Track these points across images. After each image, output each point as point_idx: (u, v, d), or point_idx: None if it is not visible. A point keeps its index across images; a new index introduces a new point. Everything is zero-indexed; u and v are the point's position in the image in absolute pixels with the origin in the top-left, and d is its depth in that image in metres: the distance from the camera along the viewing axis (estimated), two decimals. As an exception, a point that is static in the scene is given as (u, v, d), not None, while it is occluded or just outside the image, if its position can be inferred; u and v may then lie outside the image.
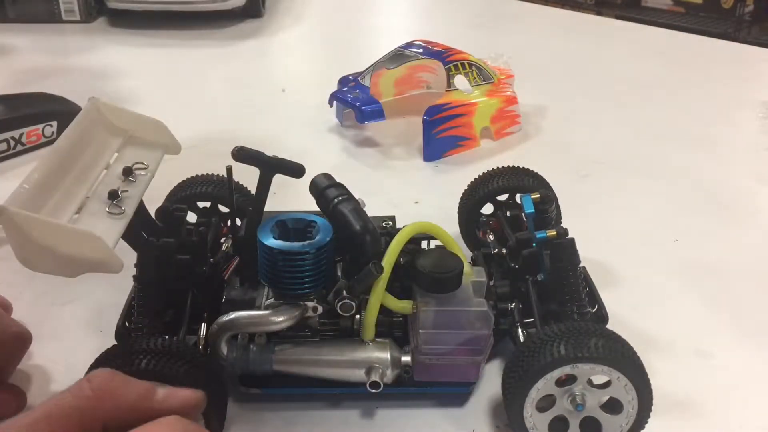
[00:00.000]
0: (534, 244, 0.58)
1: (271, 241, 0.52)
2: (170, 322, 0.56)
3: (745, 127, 1.16)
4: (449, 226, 0.72)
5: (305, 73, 1.44)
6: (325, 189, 0.56)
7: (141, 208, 0.53)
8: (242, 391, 0.56)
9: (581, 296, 0.56)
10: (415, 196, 0.91)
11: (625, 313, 0.67)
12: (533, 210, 0.59)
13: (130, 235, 0.51)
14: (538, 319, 0.57)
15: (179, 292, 0.57)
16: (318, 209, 0.57)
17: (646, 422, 0.51)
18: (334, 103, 1.10)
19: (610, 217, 0.87)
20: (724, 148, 1.08)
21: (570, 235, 0.57)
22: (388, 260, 0.53)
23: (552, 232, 0.56)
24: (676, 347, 0.65)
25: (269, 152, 0.56)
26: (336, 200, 0.54)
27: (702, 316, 0.69)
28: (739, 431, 0.57)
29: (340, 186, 0.56)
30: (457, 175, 0.93)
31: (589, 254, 0.63)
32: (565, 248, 0.56)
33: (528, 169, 0.70)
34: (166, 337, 0.54)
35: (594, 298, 0.59)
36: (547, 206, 0.60)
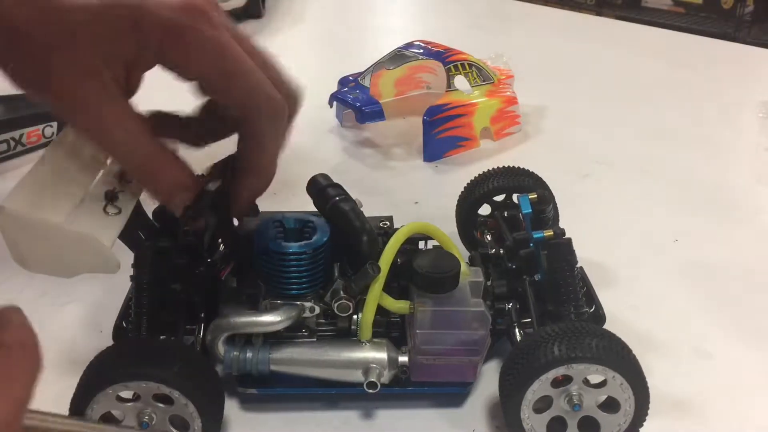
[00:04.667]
0: (531, 244, 0.58)
1: (268, 242, 0.52)
2: (167, 322, 0.56)
3: (745, 127, 1.15)
4: (449, 226, 0.72)
5: (305, 73, 1.44)
6: (322, 189, 0.56)
7: (138, 208, 0.53)
8: (240, 391, 0.56)
9: (578, 296, 0.56)
10: (415, 197, 0.91)
11: (624, 313, 0.67)
12: (530, 210, 0.59)
13: (127, 236, 0.51)
14: (535, 319, 0.57)
15: (176, 293, 0.57)
16: (315, 209, 0.57)
17: (645, 420, 0.51)
18: (334, 103, 1.10)
19: (610, 217, 0.87)
20: (724, 148, 1.07)
21: (568, 235, 0.57)
22: (385, 260, 0.53)
23: (549, 232, 0.56)
24: (675, 347, 0.65)
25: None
26: (333, 200, 0.55)
27: (702, 316, 0.69)
28: (739, 431, 0.56)
29: (338, 186, 0.57)
30: (457, 176, 0.93)
31: (588, 254, 0.63)
32: (561, 248, 0.56)
33: (525, 169, 0.70)
34: (163, 337, 0.54)
35: (591, 298, 0.59)
36: (544, 206, 0.60)
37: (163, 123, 0.50)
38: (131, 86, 0.44)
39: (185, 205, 0.46)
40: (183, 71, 0.44)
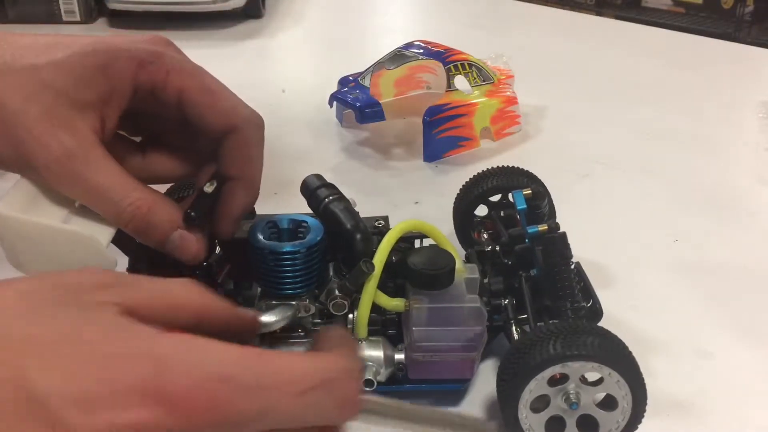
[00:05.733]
0: (526, 240, 0.58)
1: (262, 242, 0.52)
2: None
3: (745, 127, 1.15)
4: (449, 226, 0.72)
5: (305, 73, 1.44)
6: (316, 189, 0.56)
7: None
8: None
9: (574, 291, 0.56)
10: (415, 197, 0.91)
11: (624, 313, 0.67)
12: (525, 206, 0.59)
13: (122, 240, 0.51)
14: (531, 315, 0.56)
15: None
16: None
17: (642, 417, 0.51)
18: (334, 103, 1.10)
19: (609, 217, 0.87)
20: (724, 148, 1.07)
21: (563, 230, 0.57)
22: (379, 258, 0.53)
23: (543, 227, 0.56)
24: (675, 347, 0.65)
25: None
26: (327, 200, 0.55)
27: (702, 316, 0.69)
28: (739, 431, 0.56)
29: (331, 186, 0.57)
30: (458, 176, 0.92)
31: (588, 254, 0.63)
32: (556, 242, 0.56)
33: (521, 168, 0.70)
34: None
35: (588, 293, 0.59)
36: (539, 202, 0.60)
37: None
38: (107, 130, 0.44)
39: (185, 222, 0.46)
40: (162, 92, 0.44)
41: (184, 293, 0.32)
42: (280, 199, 0.88)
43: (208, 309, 0.32)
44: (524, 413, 0.51)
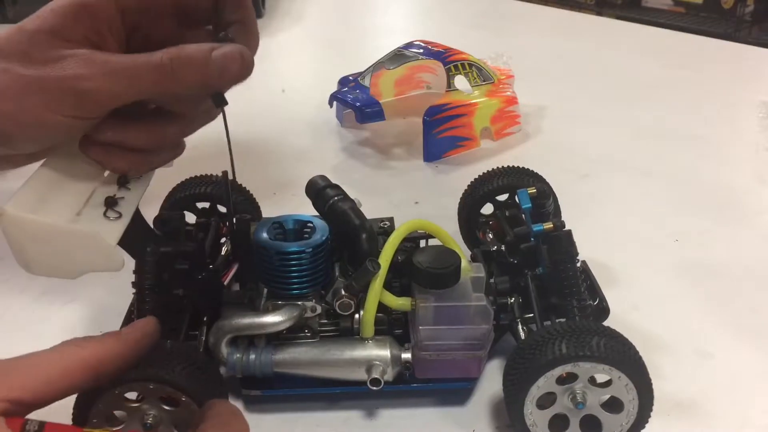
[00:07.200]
0: (532, 238, 0.58)
1: (268, 242, 0.53)
2: (170, 328, 0.56)
3: (745, 127, 1.15)
4: (449, 225, 0.72)
5: (305, 73, 1.44)
6: (321, 189, 0.56)
7: (137, 215, 0.53)
8: (243, 393, 0.56)
9: (580, 289, 0.56)
10: (415, 197, 0.91)
11: (625, 313, 0.67)
12: (530, 205, 0.59)
13: (128, 242, 0.51)
14: (538, 314, 0.57)
15: (179, 299, 0.57)
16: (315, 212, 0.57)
17: (647, 421, 0.51)
18: (334, 103, 1.10)
19: (610, 217, 0.87)
20: (724, 148, 1.07)
21: (567, 228, 0.57)
22: (385, 257, 0.53)
23: (549, 225, 0.56)
24: (676, 347, 0.65)
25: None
26: (332, 200, 0.55)
27: (702, 316, 0.69)
28: (739, 431, 0.57)
29: (336, 187, 0.57)
30: (458, 176, 0.93)
31: (589, 254, 0.63)
32: (562, 240, 0.56)
33: (527, 168, 0.70)
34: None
35: (595, 291, 0.59)
36: (544, 200, 0.60)
37: None
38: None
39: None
40: None
41: (61, 363, 0.41)
42: (280, 199, 0.88)
43: (93, 359, 0.42)
44: (530, 409, 0.51)
